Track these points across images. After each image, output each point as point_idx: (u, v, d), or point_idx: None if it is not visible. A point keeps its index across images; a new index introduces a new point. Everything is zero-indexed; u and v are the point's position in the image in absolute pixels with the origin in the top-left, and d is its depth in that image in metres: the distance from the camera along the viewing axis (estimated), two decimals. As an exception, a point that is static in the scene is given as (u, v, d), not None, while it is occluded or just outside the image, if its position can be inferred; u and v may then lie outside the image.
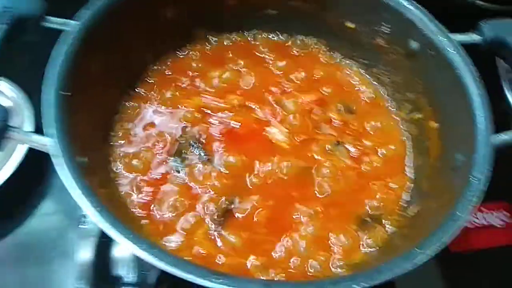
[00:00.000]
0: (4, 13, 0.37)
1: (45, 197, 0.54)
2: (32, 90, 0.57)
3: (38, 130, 0.53)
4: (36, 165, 0.54)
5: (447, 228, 0.31)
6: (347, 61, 0.52)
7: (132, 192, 0.41)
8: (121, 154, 0.43)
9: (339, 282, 0.28)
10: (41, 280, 0.49)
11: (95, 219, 0.29)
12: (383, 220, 0.41)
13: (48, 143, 0.32)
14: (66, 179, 0.30)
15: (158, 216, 0.39)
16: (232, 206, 0.40)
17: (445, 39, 0.42)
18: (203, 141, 0.44)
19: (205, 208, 0.40)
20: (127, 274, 0.46)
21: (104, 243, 0.46)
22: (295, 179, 0.42)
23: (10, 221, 0.52)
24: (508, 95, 0.55)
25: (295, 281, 0.35)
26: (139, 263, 0.48)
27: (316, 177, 0.43)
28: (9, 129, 0.32)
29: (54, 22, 0.39)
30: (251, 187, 0.42)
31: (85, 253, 0.44)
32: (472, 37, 0.43)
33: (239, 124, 0.45)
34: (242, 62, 0.50)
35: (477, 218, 0.57)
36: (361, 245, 0.39)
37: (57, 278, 0.49)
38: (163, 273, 0.45)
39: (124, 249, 0.46)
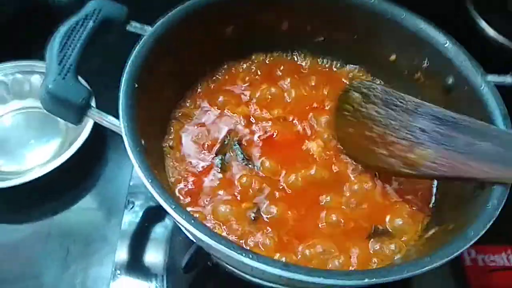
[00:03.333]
0: (94, 13, 0.43)
1: (95, 185, 0.59)
2: (97, 87, 0.64)
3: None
4: (91, 154, 0.60)
5: (458, 244, 0.34)
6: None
7: (177, 180, 0.46)
8: (172, 145, 0.48)
9: (352, 274, 0.32)
10: (81, 258, 0.53)
11: (148, 187, 0.34)
12: (402, 236, 0.44)
13: (118, 123, 0.37)
14: (130, 153, 0.35)
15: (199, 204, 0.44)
16: (262, 208, 0.44)
17: (480, 78, 0.45)
18: (245, 144, 0.49)
19: (238, 205, 0.44)
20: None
21: (139, 244, 0.53)
22: (322, 189, 0.46)
23: (61, 202, 0.57)
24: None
25: (311, 267, 0.38)
26: (170, 255, 0.52)
27: (344, 191, 0.46)
28: (91, 107, 0.38)
29: (135, 27, 0.45)
30: (281, 192, 0.46)
31: (122, 252, 0.51)
32: (507, 79, 0.45)
33: (277, 133, 0.49)
34: (289, 80, 0.54)
35: (500, 258, 0.57)
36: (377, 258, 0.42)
37: (97, 259, 0.53)
38: (191, 260, 0.49)
39: (156, 251, 0.51)
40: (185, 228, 0.32)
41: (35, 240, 0.54)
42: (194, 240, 0.37)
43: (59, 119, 0.59)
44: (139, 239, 0.54)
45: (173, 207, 0.33)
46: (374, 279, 0.31)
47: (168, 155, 0.47)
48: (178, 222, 0.33)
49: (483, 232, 0.35)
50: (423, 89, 0.52)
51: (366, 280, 0.31)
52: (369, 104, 0.44)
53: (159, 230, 0.54)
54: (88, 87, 0.39)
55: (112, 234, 0.54)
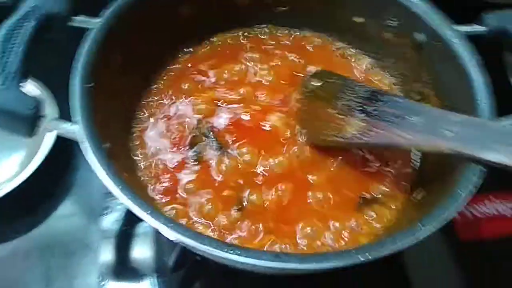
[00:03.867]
0: (33, 11, 0.39)
1: (68, 192, 0.57)
2: (56, 88, 0.60)
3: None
4: (59, 161, 0.58)
5: (448, 206, 0.33)
6: (359, 56, 0.54)
7: (150, 180, 0.43)
8: (139, 143, 0.45)
9: (344, 254, 0.30)
10: (64, 271, 0.51)
11: (118, 196, 0.31)
12: (390, 204, 0.43)
13: (75, 129, 0.34)
14: (92, 161, 0.33)
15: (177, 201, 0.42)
16: (244, 195, 0.42)
17: (449, 31, 0.43)
18: (217, 130, 0.46)
19: (219, 195, 0.42)
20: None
21: (124, 244, 0.50)
22: (304, 168, 0.44)
23: (35, 215, 0.55)
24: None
25: (302, 254, 0.37)
26: (157, 253, 0.50)
27: (327, 166, 0.45)
28: (41, 117, 0.35)
29: (79, 21, 0.41)
30: (261, 177, 0.44)
31: (106, 254, 0.47)
32: (476, 28, 0.44)
33: (249, 114, 0.47)
34: (256, 56, 0.52)
35: (487, 208, 0.58)
36: (367, 227, 0.41)
37: (80, 269, 0.52)
38: (180, 257, 0.48)
39: (143, 250, 0.49)
40: (165, 234, 0.30)
41: (13, 260, 0.52)
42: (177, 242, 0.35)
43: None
44: (122, 242, 0.51)
45: (148, 212, 0.31)
46: (370, 256, 0.30)
47: (137, 155, 0.45)
48: (155, 228, 0.31)
49: (474, 191, 0.34)
50: (394, 49, 0.51)
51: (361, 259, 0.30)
52: (325, 89, 0.47)
53: (142, 230, 0.52)
54: (38, 95, 0.36)
55: (93, 241, 0.53)
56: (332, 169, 0.44)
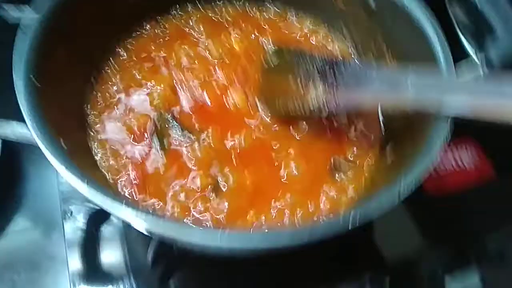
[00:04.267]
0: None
1: (20, 205, 0.54)
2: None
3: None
4: (5, 174, 0.54)
5: (426, 155, 0.34)
6: (314, 27, 0.54)
7: (117, 177, 0.41)
8: (98, 139, 0.42)
9: (332, 223, 0.30)
10: (31, 285, 0.48)
11: (86, 192, 0.29)
12: (363, 166, 0.43)
13: (29, 129, 0.31)
14: (51, 159, 0.30)
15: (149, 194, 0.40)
16: (217, 177, 0.41)
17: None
18: (178, 116, 0.44)
19: (192, 181, 0.40)
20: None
21: (91, 250, 0.48)
22: (271, 141, 0.44)
23: None
24: (463, 40, 0.58)
25: (290, 229, 0.36)
26: (130, 252, 0.48)
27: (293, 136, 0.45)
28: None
29: (10, 9, 0.37)
30: (232, 157, 0.42)
31: (74, 263, 0.46)
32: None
33: (208, 96, 0.46)
34: (208, 33, 0.50)
35: (447, 160, 0.60)
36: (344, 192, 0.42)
37: (49, 281, 0.49)
38: (156, 253, 0.46)
39: (112, 253, 0.47)
40: (150, 228, 0.28)
41: None
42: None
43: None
44: (89, 246, 0.49)
45: (124, 203, 0.29)
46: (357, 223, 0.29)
47: (98, 153, 0.42)
48: (135, 222, 0.28)
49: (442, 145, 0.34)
50: (347, 16, 0.51)
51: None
52: (283, 64, 0.46)
53: (109, 230, 0.50)
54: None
55: (58, 249, 0.49)
56: (299, 139, 0.44)
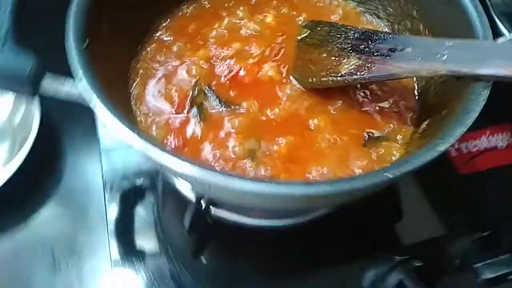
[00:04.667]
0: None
1: (62, 177, 0.56)
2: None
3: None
4: (45, 151, 0.56)
5: (462, 120, 0.34)
6: (346, 2, 0.55)
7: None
8: (139, 108, 0.44)
9: (369, 174, 0.30)
10: (71, 257, 0.50)
11: (136, 142, 0.30)
12: (397, 139, 0.44)
13: (80, 86, 0.33)
14: (103, 113, 0.31)
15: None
16: (253, 146, 0.42)
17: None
18: (215, 88, 0.45)
19: (229, 150, 0.42)
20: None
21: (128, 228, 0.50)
22: (305, 113, 0.44)
23: (30, 206, 0.53)
24: (498, 22, 0.58)
25: (330, 179, 0.37)
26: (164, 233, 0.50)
27: (329, 109, 0.45)
28: (43, 74, 0.33)
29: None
30: (267, 127, 0.43)
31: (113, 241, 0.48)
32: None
33: (244, 69, 0.47)
34: (243, 9, 0.52)
35: (481, 142, 0.60)
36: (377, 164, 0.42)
37: (87, 252, 0.50)
38: (193, 219, 0.47)
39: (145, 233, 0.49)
40: (194, 173, 0.29)
41: (17, 250, 0.50)
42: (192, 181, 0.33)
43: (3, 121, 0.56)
44: (126, 225, 0.51)
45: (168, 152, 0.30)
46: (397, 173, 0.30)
47: (140, 120, 0.43)
48: (183, 170, 0.29)
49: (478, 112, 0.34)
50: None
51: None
52: (316, 37, 0.47)
53: (143, 210, 0.52)
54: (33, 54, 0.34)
55: (96, 224, 0.51)
56: (333, 112, 0.45)
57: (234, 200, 0.34)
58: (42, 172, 0.56)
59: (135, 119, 0.42)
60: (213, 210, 0.49)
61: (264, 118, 0.44)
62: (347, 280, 0.52)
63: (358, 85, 0.46)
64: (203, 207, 0.46)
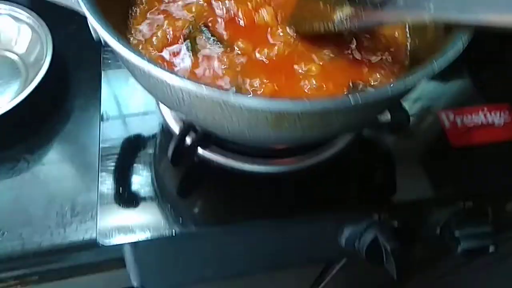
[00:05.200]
0: None
1: (69, 117, 0.59)
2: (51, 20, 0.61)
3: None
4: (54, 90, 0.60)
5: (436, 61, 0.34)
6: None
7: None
8: (136, 38, 0.46)
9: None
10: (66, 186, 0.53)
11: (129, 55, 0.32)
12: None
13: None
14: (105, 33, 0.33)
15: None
16: (241, 84, 0.43)
17: None
18: (211, 27, 0.47)
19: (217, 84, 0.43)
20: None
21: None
22: (295, 58, 0.45)
23: (38, 136, 0.56)
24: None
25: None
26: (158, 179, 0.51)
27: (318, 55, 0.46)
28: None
29: None
30: (257, 67, 0.44)
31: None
32: None
33: (241, 12, 0.48)
34: None
35: (478, 118, 0.59)
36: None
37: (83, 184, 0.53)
38: (176, 149, 0.48)
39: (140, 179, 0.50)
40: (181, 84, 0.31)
41: (18, 182, 0.53)
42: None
43: (17, 60, 0.60)
44: (123, 167, 0.53)
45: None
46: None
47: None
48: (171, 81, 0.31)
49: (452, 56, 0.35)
50: None
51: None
52: None
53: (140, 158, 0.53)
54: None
55: (94, 160, 0.54)
56: (324, 60, 0.45)
57: (209, 119, 0.35)
58: (49, 108, 0.59)
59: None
60: (200, 150, 0.51)
61: (254, 59, 0.45)
62: (327, 234, 0.53)
63: (353, 39, 0.47)
64: (189, 144, 0.48)
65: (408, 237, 0.51)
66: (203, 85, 0.31)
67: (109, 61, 0.60)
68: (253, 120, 0.33)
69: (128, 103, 0.57)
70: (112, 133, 0.54)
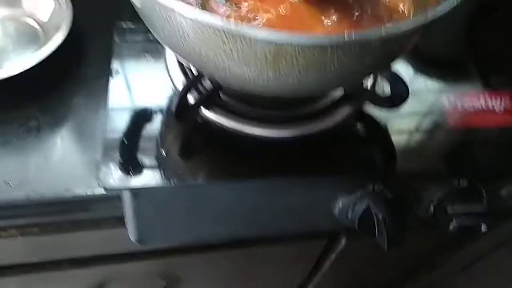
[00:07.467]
0: None
1: (82, 87, 0.60)
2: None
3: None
4: (70, 54, 0.62)
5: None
6: None
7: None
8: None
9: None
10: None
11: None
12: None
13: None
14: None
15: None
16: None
17: None
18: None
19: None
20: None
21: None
22: (299, 22, 0.47)
23: (50, 96, 0.58)
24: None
25: None
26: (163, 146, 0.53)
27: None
28: None
29: None
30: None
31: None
32: None
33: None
34: None
35: (478, 102, 0.61)
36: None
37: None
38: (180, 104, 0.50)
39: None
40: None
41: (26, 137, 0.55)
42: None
43: (38, 29, 0.63)
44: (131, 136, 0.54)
45: None
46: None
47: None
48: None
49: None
50: None
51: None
52: None
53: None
54: None
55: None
56: (328, 23, 0.47)
57: (210, 56, 0.37)
58: (63, 76, 0.61)
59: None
60: (204, 112, 0.52)
61: (260, 20, 0.47)
62: (322, 203, 0.54)
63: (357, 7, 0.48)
64: (193, 103, 0.50)
65: (400, 209, 0.51)
66: (208, 13, 0.33)
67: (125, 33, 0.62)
68: (253, 56, 0.35)
69: (137, 75, 0.59)
70: (121, 99, 0.56)
